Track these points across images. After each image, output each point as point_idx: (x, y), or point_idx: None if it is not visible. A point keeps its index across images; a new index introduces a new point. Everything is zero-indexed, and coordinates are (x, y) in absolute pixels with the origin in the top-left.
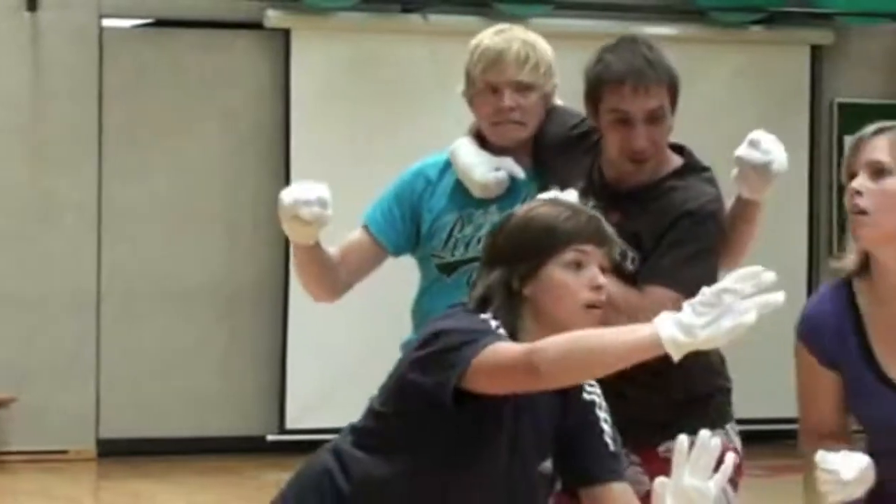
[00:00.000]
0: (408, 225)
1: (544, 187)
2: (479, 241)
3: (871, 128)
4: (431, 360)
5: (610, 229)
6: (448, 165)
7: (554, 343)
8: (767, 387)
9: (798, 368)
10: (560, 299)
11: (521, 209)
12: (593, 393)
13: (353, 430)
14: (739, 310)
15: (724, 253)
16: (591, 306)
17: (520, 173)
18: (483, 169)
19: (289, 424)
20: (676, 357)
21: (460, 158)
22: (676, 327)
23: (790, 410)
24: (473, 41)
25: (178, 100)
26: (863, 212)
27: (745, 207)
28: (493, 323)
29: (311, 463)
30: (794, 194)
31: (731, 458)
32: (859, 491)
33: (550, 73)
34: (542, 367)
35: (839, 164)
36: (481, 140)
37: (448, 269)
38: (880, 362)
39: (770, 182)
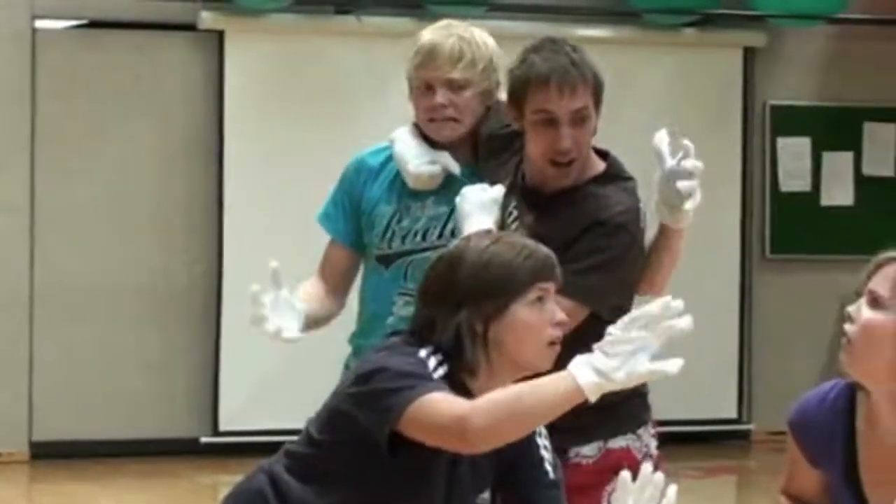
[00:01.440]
0: (355, 216)
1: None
2: (415, 234)
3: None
4: (368, 399)
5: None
6: (389, 155)
7: (484, 412)
8: (702, 388)
9: (788, 444)
10: (525, 338)
11: (471, 248)
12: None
13: (288, 454)
14: (647, 345)
15: (643, 279)
16: (552, 343)
17: (455, 169)
18: (418, 161)
19: (222, 426)
20: (594, 399)
21: (399, 147)
22: (593, 373)
23: (725, 412)
24: (416, 38)
25: (112, 101)
26: (848, 341)
27: (665, 235)
28: (433, 361)
29: (245, 484)
30: (728, 196)
31: (673, 488)
32: None
33: (490, 69)
34: (471, 435)
35: (773, 166)
36: (422, 133)
37: (386, 260)
38: (864, 488)
39: (687, 216)
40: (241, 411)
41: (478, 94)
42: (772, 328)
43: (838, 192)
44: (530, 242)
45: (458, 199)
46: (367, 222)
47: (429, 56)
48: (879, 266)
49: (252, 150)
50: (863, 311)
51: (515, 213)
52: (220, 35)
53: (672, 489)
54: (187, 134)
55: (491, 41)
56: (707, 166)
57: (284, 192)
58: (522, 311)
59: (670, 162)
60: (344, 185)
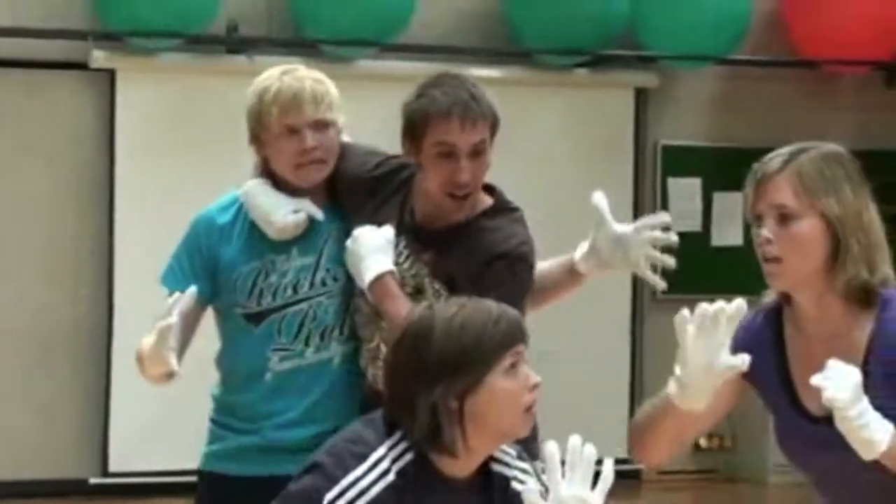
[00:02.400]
0: (206, 276)
1: (348, 229)
2: (285, 288)
3: (770, 160)
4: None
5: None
6: (239, 210)
7: None
8: (593, 429)
9: None
10: (504, 408)
11: (438, 318)
12: (523, 473)
13: None
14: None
15: (533, 299)
16: (529, 408)
17: (319, 214)
18: (283, 211)
19: (112, 467)
20: None
21: (257, 201)
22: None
23: (616, 452)
24: (258, 86)
25: (1, 140)
26: (776, 259)
27: (573, 277)
28: (388, 457)
29: None
30: None
31: (609, 463)
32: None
33: (340, 108)
34: None
35: (664, 206)
36: (273, 182)
37: (256, 318)
38: (797, 388)
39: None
40: (130, 452)
41: (337, 134)
42: (662, 368)
43: (728, 233)
44: (496, 306)
45: (349, 244)
46: (226, 283)
47: (293, 101)
48: (763, 184)
49: (144, 189)
50: (777, 229)
51: (406, 252)
52: (112, 74)
53: (608, 464)
54: (78, 173)
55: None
56: None
57: (175, 231)
58: (499, 381)
59: (617, 226)
60: (194, 243)
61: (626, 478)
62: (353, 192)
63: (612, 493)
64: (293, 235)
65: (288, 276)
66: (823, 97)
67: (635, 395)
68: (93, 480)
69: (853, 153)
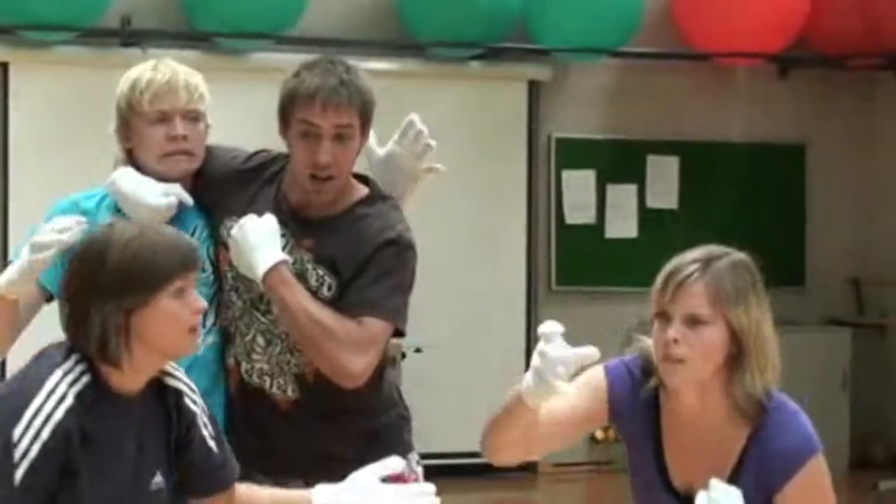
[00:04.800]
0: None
1: (214, 226)
2: None
3: (686, 267)
4: None
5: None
6: (103, 199)
7: None
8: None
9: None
10: (168, 328)
11: (115, 240)
12: (196, 404)
13: None
14: None
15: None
16: (193, 329)
17: (189, 200)
18: (155, 192)
19: None
20: None
21: (126, 186)
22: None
23: None
24: (130, 75)
25: None
26: (680, 360)
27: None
28: (66, 380)
29: None
30: (513, 228)
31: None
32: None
33: (209, 106)
34: None
35: (558, 198)
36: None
37: None
38: (666, 462)
39: None
40: None
41: (205, 129)
42: None
43: (622, 225)
44: (174, 233)
45: (234, 232)
46: None
47: (166, 87)
48: (678, 288)
49: (36, 181)
50: (686, 331)
51: (284, 240)
52: (5, 67)
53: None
54: None
55: None
56: (492, 199)
57: None
58: (166, 302)
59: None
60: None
61: (522, 471)
62: (224, 185)
63: (508, 486)
64: (165, 219)
65: None
66: (717, 90)
67: None
68: None
69: (747, 145)
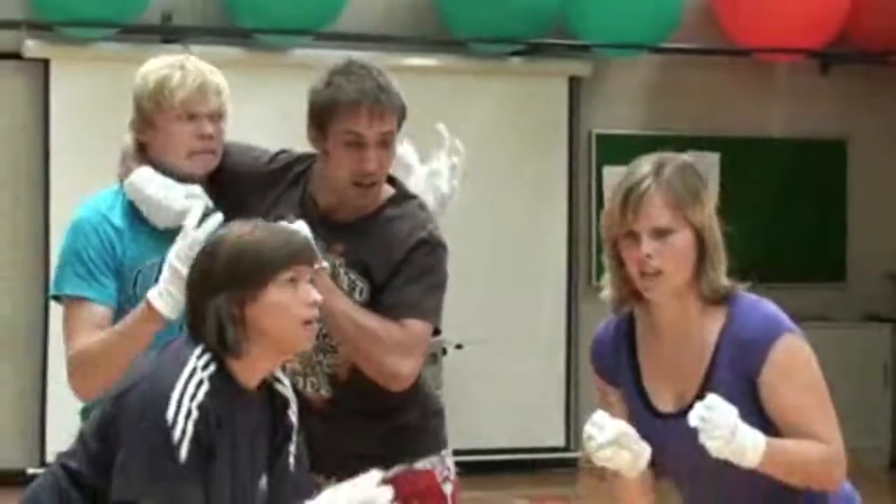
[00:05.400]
0: (112, 276)
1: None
2: None
3: (637, 181)
4: (125, 462)
5: (315, 247)
6: (123, 206)
7: None
8: (530, 417)
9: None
10: (280, 319)
11: (229, 236)
12: (296, 417)
13: (65, 467)
14: None
15: None
16: (307, 322)
17: (209, 202)
18: (179, 196)
19: (49, 458)
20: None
21: (151, 189)
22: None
23: (553, 440)
24: (155, 71)
25: None
26: (657, 272)
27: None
28: (200, 364)
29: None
30: (553, 224)
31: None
32: (621, 456)
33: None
34: None
35: (598, 194)
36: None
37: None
38: (649, 393)
39: None
40: (68, 442)
41: (225, 128)
42: None
43: None
44: (289, 229)
45: None
46: (127, 282)
47: (199, 91)
48: (636, 203)
49: (78, 178)
50: (657, 244)
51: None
52: (46, 64)
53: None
54: (12, 163)
55: None
56: (533, 195)
57: None
58: (275, 293)
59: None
60: (95, 243)
61: (564, 466)
62: (246, 186)
63: (550, 482)
64: (181, 222)
65: None
66: (757, 85)
67: (571, 382)
68: (31, 471)
69: (788, 140)
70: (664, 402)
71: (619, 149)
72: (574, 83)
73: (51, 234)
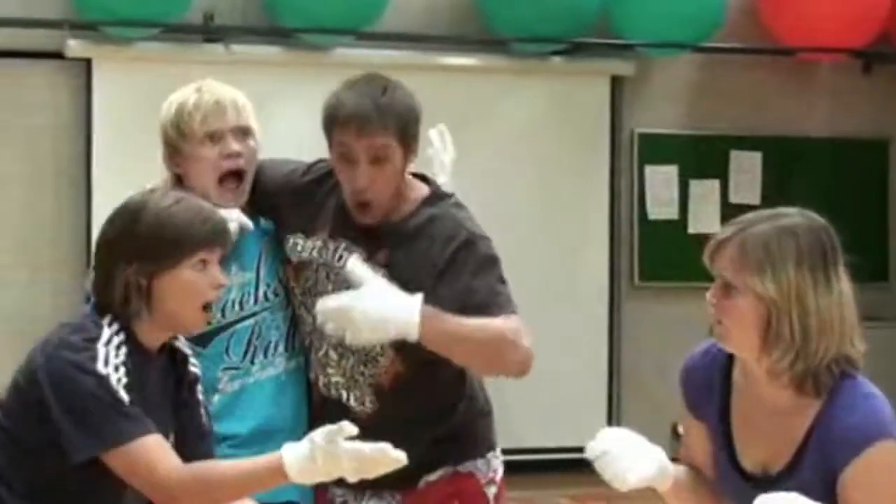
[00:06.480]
0: None
1: (280, 240)
2: (233, 304)
3: (729, 225)
4: (75, 414)
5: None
6: None
7: (192, 492)
8: (572, 416)
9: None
10: (184, 298)
11: (151, 205)
12: (197, 368)
13: None
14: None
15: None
16: (206, 306)
17: (249, 224)
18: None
19: None
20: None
21: None
22: (299, 456)
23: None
24: (175, 100)
25: None
26: (718, 322)
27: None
28: (113, 340)
29: None
30: (595, 224)
31: None
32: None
33: (255, 121)
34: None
35: (640, 193)
36: None
37: (202, 338)
38: (735, 444)
39: None
40: None
41: (256, 145)
42: (640, 355)
43: (705, 220)
44: (209, 208)
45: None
46: None
47: (216, 107)
48: (715, 247)
49: (120, 178)
50: (720, 295)
51: (345, 254)
52: (88, 63)
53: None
54: (54, 163)
55: None
56: (574, 194)
57: None
58: (187, 272)
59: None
60: None
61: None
62: (283, 202)
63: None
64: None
65: (232, 292)
66: (800, 85)
67: (613, 382)
68: None
69: (830, 140)
70: (746, 461)
71: (662, 148)
72: (616, 83)
73: (92, 235)
